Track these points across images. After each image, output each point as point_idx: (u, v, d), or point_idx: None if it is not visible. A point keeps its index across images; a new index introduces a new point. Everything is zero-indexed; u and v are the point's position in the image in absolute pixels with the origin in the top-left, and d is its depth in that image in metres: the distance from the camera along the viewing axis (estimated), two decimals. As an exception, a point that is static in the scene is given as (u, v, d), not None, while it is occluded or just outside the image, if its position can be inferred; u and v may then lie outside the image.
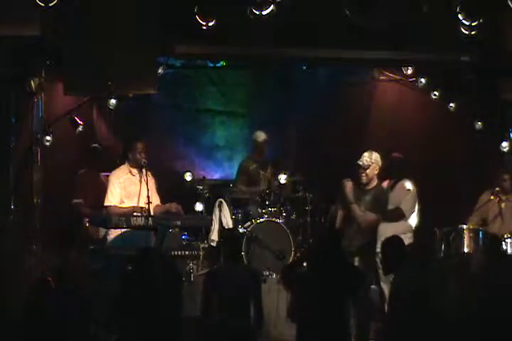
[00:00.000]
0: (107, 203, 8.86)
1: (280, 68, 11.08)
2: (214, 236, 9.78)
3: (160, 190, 9.22)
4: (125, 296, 6.32)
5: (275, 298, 8.66)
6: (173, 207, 8.82)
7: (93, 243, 8.97)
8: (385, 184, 9.65)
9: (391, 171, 9.56)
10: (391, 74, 11.43)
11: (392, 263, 6.99)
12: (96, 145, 10.02)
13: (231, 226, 9.86)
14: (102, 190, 9.44)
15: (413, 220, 9.55)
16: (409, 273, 6.90)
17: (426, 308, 6.65)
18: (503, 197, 9.60)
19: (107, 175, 9.56)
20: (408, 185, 9.47)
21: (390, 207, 9.38)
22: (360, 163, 8.96)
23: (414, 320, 6.61)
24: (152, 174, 9.03)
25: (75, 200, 9.44)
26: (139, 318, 6.19)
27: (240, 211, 10.19)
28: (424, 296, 6.70)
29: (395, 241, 7.19)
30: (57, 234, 9.11)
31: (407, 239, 9.35)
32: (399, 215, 9.33)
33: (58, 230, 9.26)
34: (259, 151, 10.66)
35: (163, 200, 9.16)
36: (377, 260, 9.27)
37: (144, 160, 8.84)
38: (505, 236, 9.30)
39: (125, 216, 8.49)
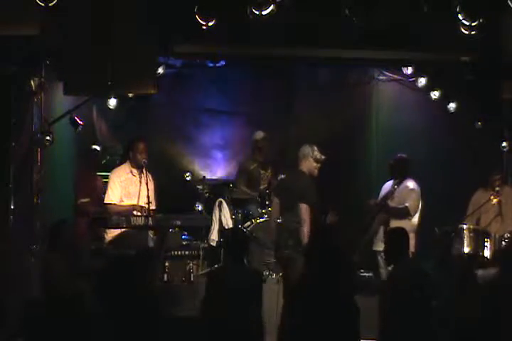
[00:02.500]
0: (107, 200, 8.87)
1: (280, 68, 11.07)
2: (214, 236, 9.78)
3: (160, 190, 9.23)
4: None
5: (275, 297, 8.65)
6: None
7: (93, 242, 8.99)
8: (389, 184, 9.70)
9: (395, 171, 9.61)
10: (391, 74, 11.43)
11: (396, 254, 7.02)
12: (95, 146, 10.01)
13: (231, 226, 9.86)
14: (99, 190, 9.46)
15: (415, 219, 9.59)
16: (409, 266, 6.95)
17: (422, 302, 6.68)
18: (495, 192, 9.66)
19: (103, 175, 9.62)
20: (412, 184, 9.53)
21: (395, 204, 9.44)
22: (323, 156, 9.02)
23: (408, 313, 6.62)
24: (152, 177, 9.03)
25: (82, 200, 9.45)
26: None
27: (239, 211, 10.18)
28: (419, 290, 6.72)
29: (399, 231, 7.24)
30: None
31: (411, 239, 9.39)
32: (405, 213, 9.40)
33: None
34: (260, 150, 10.63)
35: (163, 200, 9.16)
36: (379, 258, 9.34)
37: (144, 160, 8.85)
38: (505, 236, 9.31)
39: (125, 215, 8.50)
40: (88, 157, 9.86)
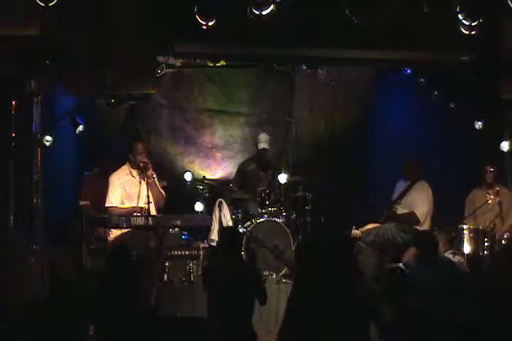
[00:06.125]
0: (108, 204, 8.87)
1: (280, 68, 11.06)
2: (214, 236, 9.77)
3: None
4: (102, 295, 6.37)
5: (275, 297, 8.65)
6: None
7: (94, 243, 9.00)
8: (401, 184, 9.66)
9: (407, 172, 9.58)
10: (391, 74, 11.42)
11: (427, 256, 7.25)
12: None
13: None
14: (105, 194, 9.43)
15: (426, 224, 9.55)
16: (421, 271, 7.02)
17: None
18: (491, 192, 9.65)
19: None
20: (424, 187, 9.48)
21: (404, 210, 9.40)
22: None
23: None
24: (154, 169, 9.01)
25: (82, 202, 9.45)
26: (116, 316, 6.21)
27: (239, 211, 10.18)
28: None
29: (430, 235, 7.56)
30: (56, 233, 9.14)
31: None
32: (413, 220, 9.36)
33: (58, 230, 9.29)
34: (261, 152, 10.63)
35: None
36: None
37: (144, 160, 8.84)
38: (505, 236, 9.32)
39: (125, 216, 8.50)
40: (101, 161, 9.85)
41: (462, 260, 8.70)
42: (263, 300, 7.16)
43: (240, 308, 7.01)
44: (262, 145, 10.54)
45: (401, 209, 9.50)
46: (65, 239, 8.49)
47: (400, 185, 9.73)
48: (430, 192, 9.55)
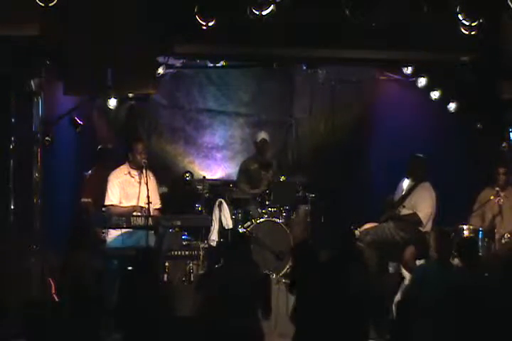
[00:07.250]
0: (107, 202, 8.86)
1: (280, 68, 11.07)
2: (214, 236, 9.78)
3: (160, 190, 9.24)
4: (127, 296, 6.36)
5: (275, 297, 8.65)
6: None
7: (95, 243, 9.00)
8: (405, 183, 9.64)
9: (411, 173, 9.53)
10: (391, 74, 11.42)
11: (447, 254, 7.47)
12: (106, 145, 9.99)
13: (231, 226, 9.86)
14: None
15: (428, 226, 9.52)
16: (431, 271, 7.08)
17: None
18: (501, 193, 9.61)
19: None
20: (428, 189, 9.45)
21: (407, 211, 9.38)
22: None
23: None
24: (154, 175, 9.02)
25: (84, 199, 9.44)
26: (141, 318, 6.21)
27: (240, 211, 10.18)
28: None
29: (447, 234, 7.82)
30: (59, 233, 9.15)
31: None
32: (415, 221, 9.33)
33: (59, 230, 9.29)
34: (260, 152, 10.66)
35: (162, 200, 9.16)
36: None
37: (144, 160, 8.83)
38: (506, 236, 9.31)
39: (125, 216, 8.50)
40: (98, 157, 9.85)
41: (461, 263, 8.67)
42: (267, 314, 7.06)
43: (242, 308, 6.99)
44: (262, 136, 10.56)
45: (404, 211, 9.47)
46: (78, 240, 8.50)
47: (404, 185, 9.67)
48: (433, 194, 9.49)
